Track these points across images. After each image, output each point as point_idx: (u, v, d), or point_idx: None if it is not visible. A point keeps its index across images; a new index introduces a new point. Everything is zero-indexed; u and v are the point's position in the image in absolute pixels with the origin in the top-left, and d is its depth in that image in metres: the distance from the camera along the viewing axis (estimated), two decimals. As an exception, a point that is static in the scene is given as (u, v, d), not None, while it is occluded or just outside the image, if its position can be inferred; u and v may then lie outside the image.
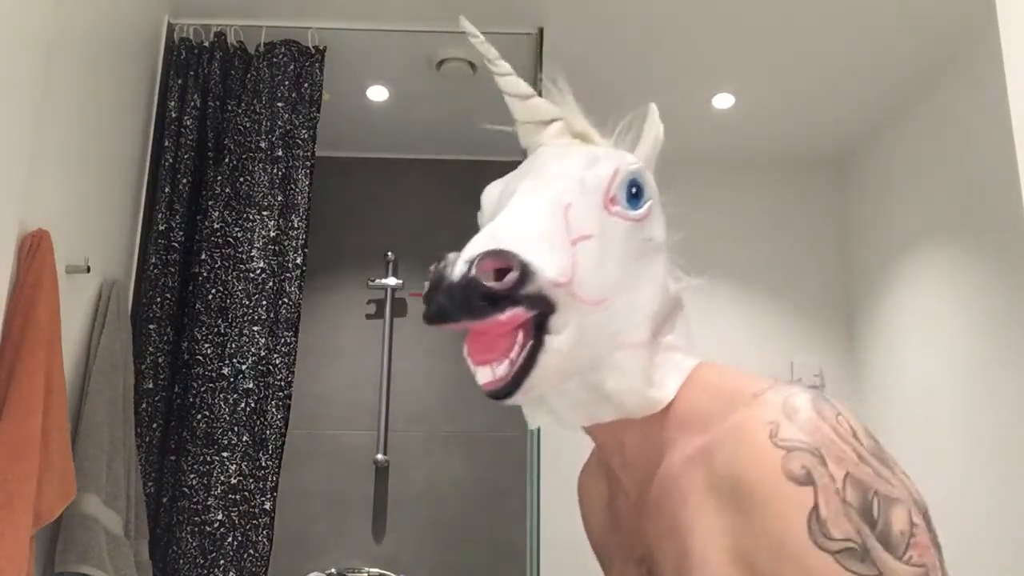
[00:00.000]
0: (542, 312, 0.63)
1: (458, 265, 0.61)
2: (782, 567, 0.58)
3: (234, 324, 2.13)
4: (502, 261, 0.61)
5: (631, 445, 0.74)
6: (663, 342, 0.73)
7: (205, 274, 2.17)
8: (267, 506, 2.05)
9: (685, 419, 0.69)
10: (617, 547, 0.81)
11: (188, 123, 2.28)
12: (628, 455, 0.75)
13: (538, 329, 0.63)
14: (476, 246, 0.62)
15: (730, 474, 0.61)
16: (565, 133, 0.77)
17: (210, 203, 2.23)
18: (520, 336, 0.63)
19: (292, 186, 2.27)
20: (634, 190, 0.73)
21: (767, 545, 0.59)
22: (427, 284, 0.62)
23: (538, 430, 2.26)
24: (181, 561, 1.99)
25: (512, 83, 0.77)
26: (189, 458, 2.05)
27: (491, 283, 0.60)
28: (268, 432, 2.09)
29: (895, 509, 0.58)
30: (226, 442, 2.06)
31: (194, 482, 2.03)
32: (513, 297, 0.61)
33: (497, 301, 0.60)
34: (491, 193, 0.77)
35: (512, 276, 0.60)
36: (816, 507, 0.57)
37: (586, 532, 0.90)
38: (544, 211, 0.67)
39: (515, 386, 0.63)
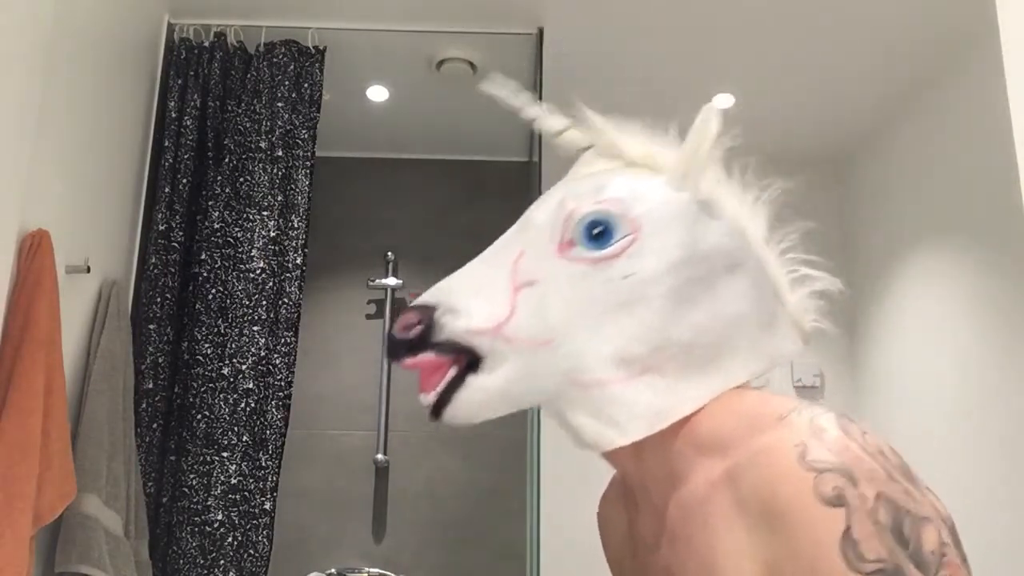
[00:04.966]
0: (471, 354, 0.72)
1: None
2: None
3: (234, 324, 2.13)
4: (417, 316, 0.72)
5: (649, 468, 0.74)
6: (646, 380, 0.71)
7: (205, 274, 2.17)
8: (267, 506, 2.05)
9: (706, 442, 0.69)
10: (636, 573, 0.80)
11: (188, 123, 2.28)
12: (647, 478, 0.75)
13: (469, 368, 0.72)
14: (418, 300, 0.75)
15: (759, 497, 0.61)
16: (598, 157, 0.78)
17: (210, 203, 2.23)
18: (450, 373, 0.72)
19: (292, 186, 2.27)
20: (596, 230, 0.72)
21: (799, 568, 0.58)
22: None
23: (538, 430, 2.26)
24: (181, 561, 1.99)
25: (545, 124, 0.81)
26: (189, 458, 2.05)
27: (402, 335, 0.72)
28: (268, 432, 2.09)
29: (926, 528, 0.58)
30: (226, 442, 2.06)
31: (194, 482, 2.03)
32: (425, 344, 0.72)
33: (412, 348, 0.72)
34: None
35: (416, 330, 0.72)
36: (849, 529, 0.57)
37: (608, 563, 0.90)
38: (490, 265, 0.75)
39: (436, 415, 0.73)
